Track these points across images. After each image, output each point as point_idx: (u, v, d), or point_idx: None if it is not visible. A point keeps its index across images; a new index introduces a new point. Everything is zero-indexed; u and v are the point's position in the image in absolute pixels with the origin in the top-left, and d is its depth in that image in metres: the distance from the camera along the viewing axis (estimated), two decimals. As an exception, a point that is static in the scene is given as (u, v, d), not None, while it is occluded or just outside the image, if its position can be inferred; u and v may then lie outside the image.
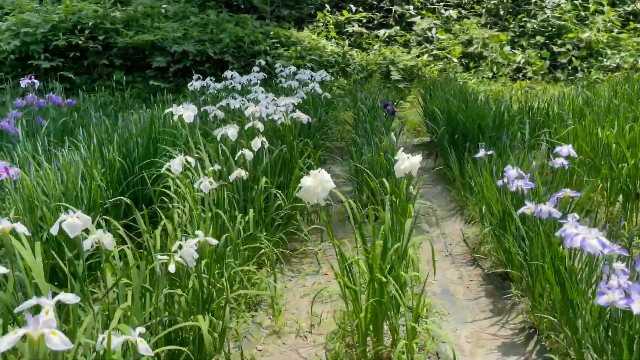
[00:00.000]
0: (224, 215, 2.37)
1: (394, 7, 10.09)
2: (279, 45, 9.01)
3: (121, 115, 4.65)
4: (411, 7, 10.14)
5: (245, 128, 3.17)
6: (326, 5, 10.08)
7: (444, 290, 2.83)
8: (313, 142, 4.49)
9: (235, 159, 2.80)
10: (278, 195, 2.98)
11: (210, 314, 1.91)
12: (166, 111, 3.01)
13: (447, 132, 4.84)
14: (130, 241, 2.12)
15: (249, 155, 2.74)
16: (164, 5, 9.96)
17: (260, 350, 2.35)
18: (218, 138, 2.81)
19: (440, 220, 3.88)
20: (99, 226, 2.39)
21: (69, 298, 1.15)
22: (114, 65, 8.85)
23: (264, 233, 3.00)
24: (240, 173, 2.60)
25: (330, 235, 2.07)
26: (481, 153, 3.50)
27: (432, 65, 9.00)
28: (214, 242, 1.86)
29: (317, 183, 1.93)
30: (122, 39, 8.70)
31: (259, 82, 5.78)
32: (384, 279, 1.96)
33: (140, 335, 1.32)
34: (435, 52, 9.28)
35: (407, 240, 2.15)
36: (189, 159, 2.41)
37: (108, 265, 1.77)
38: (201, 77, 5.80)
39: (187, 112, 2.76)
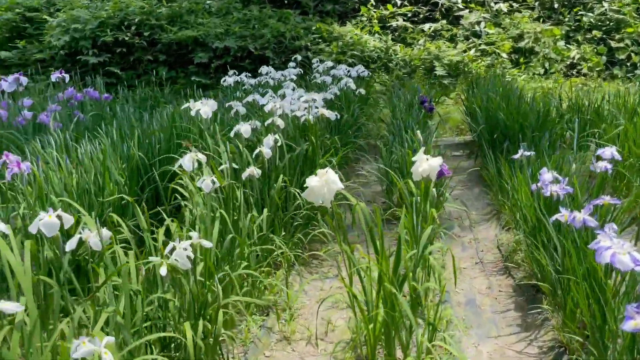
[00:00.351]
0: (233, 214, 2.28)
1: (441, 1, 9.77)
2: (320, 40, 8.89)
3: (152, 111, 4.65)
4: (459, 0, 9.80)
5: (265, 125, 3.07)
6: (370, -1, 9.88)
7: (470, 301, 2.64)
8: (344, 139, 4.35)
9: (253, 156, 2.70)
10: (297, 194, 2.87)
11: (206, 320, 1.82)
12: (183, 107, 2.95)
13: (486, 130, 4.59)
14: (136, 240, 2.05)
15: (266, 153, 2.64)
16: (208, 1, 10.02)
17: (267, 357, 2.25)
18: (231, 135, 2.72)
19: (474, 224, 3.67)
20: (109, 223, 2.35)
21: (9, 307, 1.08)
22: (158, 61, 8.98)
23: (282, 233, 2.90)
24: (252, 171, 2.50)
25: (339, 241, 1.94)
26: (519, 154, 3.27)
27: (480, 60, 8.66)
28: (208, 244, 1.76)
29: (322, 183, 1.80)
30: (167, 35, 8.80)
31: (295, 77, 5.68)
32: (394, 290, 1.81)
33: (108, 345, 1.24)
34: (483, 47, 8.93)
35: (422, 248, 1.99)
36: (200, 156, 2.33)
37: (95, 265, 1.71)
38: (237, 72, 5.76)
39: (204, 107, 2.68)
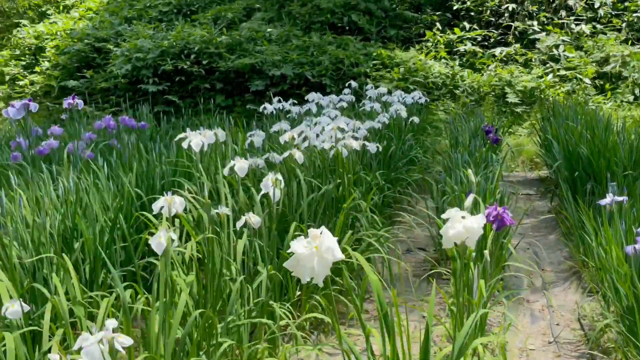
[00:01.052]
0: (213, 277, 1.75)
1: (515, 24, 9.01)
2: (381, 66, 8.39)
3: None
4: (535, 22, 8.99)
5: (281, 159, 2.55)
6: (437, 23, 9.28)
7: (539, 403, 1.94)
8: (391, 175, 3.75)
9: (259, 199, 2.18)
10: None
11: None
12: (178, 137, 2.49)
13: (565, 167, 3.84)
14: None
15: (276, 195, 2.10)
16: (268, 30, 9.84)
17: None
18: (225, 172, 2.20)
19: (548, 285, 2.94)
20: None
21: None
22: (215, 89, 8.84)
23: (298, 292, 2.34)
24: (250, 219, 1.97)
25: (338, 332, 1.36)
26: (608, 199, 2.55)
27: (558, 86, 7.80)
28: (127, 342, 1.23)
29: (312, 252, 1.24)
30: (224, 63, 8.65)
31: (345, 104, 5.18)
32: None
33: None
34: (562, 72, 8.06)
35: (459, 347, 1.36)
36: (177, 199, 1.84)
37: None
38: (282, 100, 5.33)
39: (195, 138, 2.20)
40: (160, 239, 1.53)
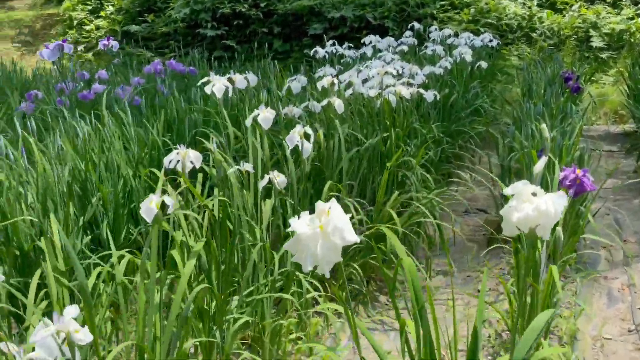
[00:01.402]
0: (222, 245, 1.51)
1: (605, -43, 7.98)
2: (449, 7, 7.72)
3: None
4: (628, -45, 7.92)
5: (319, 108, 2.23)
6: (515, -42, 8.39)
7: (614, 408, 1.62)
8: (452, 127, 3.36)
9: (288, 155, 1.89)
10: (357, 208, 2.01)
11: None
12: (200, 82, 2.22)
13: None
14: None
15: (305, 149, 1.81)
16: (331, -32, 9.28)
17: None
18: (247, 123, 1.91)
19: (631, 259, 2.52)
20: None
21: None
22: (273, 34, 8.51)
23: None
24: (275, 178, 1.70)
25: (352, 323, 1.08)
26: None
27: (652, 29, 6.91)
28: (86, 338, 0.99)
29: (316, 232, 0.95)
30: (282, 5, 8.28)
31: (406, 48, 4.74)
32: None
33: None
34: (657, 12, 7.12)
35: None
36: (191, 153, 1.59)
37: None
38: (337, 44, 4.95)
39: (218, 83, 1.93)
40: (151, 204, 1.29)
